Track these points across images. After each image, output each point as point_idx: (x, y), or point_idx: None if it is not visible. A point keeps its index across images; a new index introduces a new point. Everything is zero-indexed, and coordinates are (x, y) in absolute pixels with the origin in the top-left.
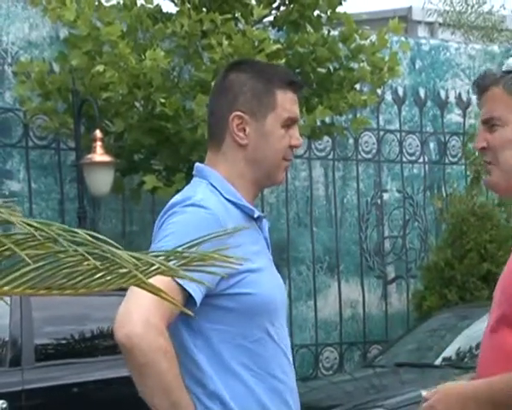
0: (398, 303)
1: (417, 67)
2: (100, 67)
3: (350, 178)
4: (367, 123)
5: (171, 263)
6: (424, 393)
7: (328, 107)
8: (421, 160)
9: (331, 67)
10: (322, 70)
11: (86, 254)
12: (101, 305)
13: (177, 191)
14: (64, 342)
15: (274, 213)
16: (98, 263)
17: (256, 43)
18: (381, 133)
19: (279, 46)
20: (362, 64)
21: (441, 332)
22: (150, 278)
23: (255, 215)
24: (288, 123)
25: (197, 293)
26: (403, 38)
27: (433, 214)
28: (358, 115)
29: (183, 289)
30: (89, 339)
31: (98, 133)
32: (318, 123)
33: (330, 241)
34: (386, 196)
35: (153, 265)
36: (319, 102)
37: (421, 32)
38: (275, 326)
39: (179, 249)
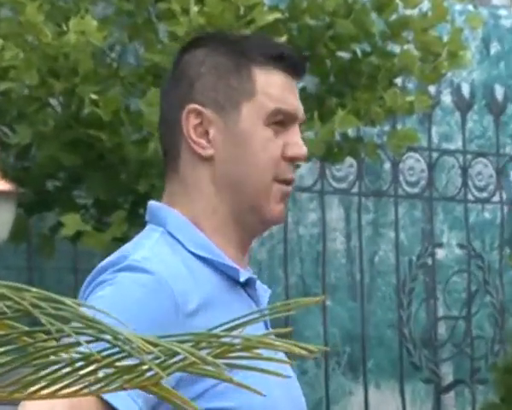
0: None
1: (493, 52)
2: None
3: (385, 223)
4: (413, 139)
5: (203, 352)
6: None
7: (354, 112)
8: (496, 198)
9: (359, 51)
10: (345, 55)
11: (76, 336)
12: None
13: (116, 240)
14: None
15: (265, 276)
16: (94, 351)
17: (242, 11)
18: (435, 155)
19: (278, 16)
20: (406, 47)
21: None
22: (171, 374)
23: (241, 279)
24: (278, 119)
25: (129, 407)
26: (470, 8)
27: None
28: (400, 127)
29: (104, 402)
30: None
31: None
32: (337, 137)
33: (353, 322)
34: (441, 253)
35: (176, 354)
36: (339, 105)
37: None
38: None
39: (216, 331)
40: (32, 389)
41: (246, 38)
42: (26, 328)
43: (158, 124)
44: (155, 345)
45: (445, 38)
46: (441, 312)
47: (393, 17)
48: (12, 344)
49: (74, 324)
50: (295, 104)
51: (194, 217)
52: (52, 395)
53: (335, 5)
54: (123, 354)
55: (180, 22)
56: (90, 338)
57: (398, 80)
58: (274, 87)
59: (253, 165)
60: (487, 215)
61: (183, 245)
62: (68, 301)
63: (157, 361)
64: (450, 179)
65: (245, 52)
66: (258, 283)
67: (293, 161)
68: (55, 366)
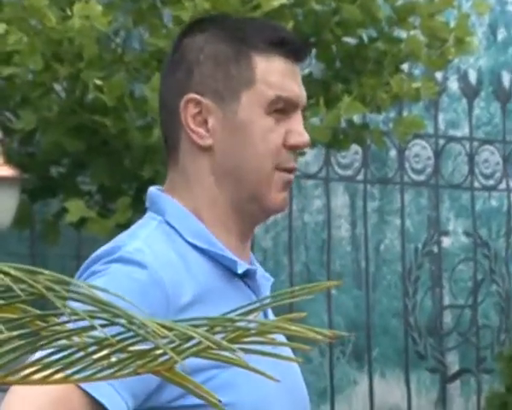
0: None
1: (500, 38)
2: None
3: (391, 211)
4: (420, 126)
5: (217, 336)
6: None
7: (360, 99)
8: (503, 185)
9: (365, 37)
10: (351, 40)
11: (91, 320)
12: None
13: (120, 227)
14: None
15: (269, 264)
16: (108, 335)
17: None
18: (441, 142)
19: (284, 1)
20: (413, 32)
21: None
22: (185, 358)
23: (239, 271)
24: (279, 107)
25: (116, 404)
26: None
27: None
28: (406, 113)
29: (90, 399)
30: None
31: None
32: (343, 124)
33: (357, 311)
34: (446, 241)
35: (190, 338)
36: (345, 91)
37: None
38: None
39: (231, 316)
40: (45, 373)
41: (246, 22)
42: (39, 311)
43: (158, 109)
44: (170, 329)
45: (452, 24)
46: (447, 300)
47: (400, 2)
48: (24, 328)
49: (88, 307)
50: (296, 91)
51: (195, 208)
52: (64, 380)
53: None
54: (137, 339)
55: (185, 7)
56: (104, 322)
57: (405, 66)
58: (274, 74)
59: (252, 155)
60: (494, 203)
61: (180, 235)
62: (83, 284)
63: (171, 346)
64: (457, 167)
65: (245, 38)
66: (260, 272)
67: (294, 150)
68: (68, 351)
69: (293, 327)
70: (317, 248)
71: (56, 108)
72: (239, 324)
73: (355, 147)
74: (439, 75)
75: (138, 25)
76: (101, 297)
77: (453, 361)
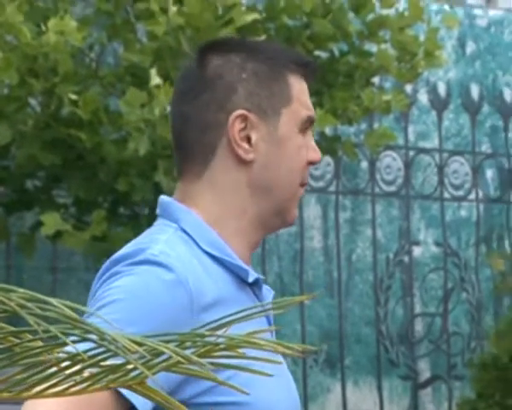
0: None
1: (469, 52)
2: None
3: (362, 221)
4: (390, 138)
5: (188, 352)
6: None
7: (331, 111)
8: (472, 196)
9: (336, 51)
10: (323, 54)
11: (63, 337)
12: None
13: (95, 240)
14: None
15: None
16: (80, 351)
17: (221, 11)
18: (412, 154)
19: (256, 16)
20: (384, 46)
21: None
22: (156, 373)
23: (250, 279)
24: (308, 125)
25: (141, 400)
26: (447, 8)
27: (491, 281)
28: (377, 126)
29: (120, 397)
30: None
31: None
32: (315, 136)
33: (330, 320)
34: (417, 250)
35: (161, 354)
36: (317, 104)
37: None
38: None
39: (201, 331)
40: (19, 388)
41: (272, 45)
42: (13, 328)
43: (176, 123)
44: (140, 345)
45: (422, 38)
46: (418, 309)
47: (370, 17)
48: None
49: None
50: (313, 110)
51: (216, 218)
52: (39, 395)
53: (313, 5)
54: (109, 354)
55: (159, 22)
56: (77, 338)
57: (376, 79)
58: (304, 94)
59: (287, 170)
60: (463, 213)
61: (196, 243)
62: (55, 301)
63: (142, 361)
64: (427, 178)
65: (279, 59)
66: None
67: (311, 165)
68: (42, 366)
69: (262, 342)
70: (290, 258)
71: (32, 122)
72: (208, 339)
73: (327, 159)
74: (408, 88)
75: (113, 40)
76: (72, 314)
77: (424, 368)
